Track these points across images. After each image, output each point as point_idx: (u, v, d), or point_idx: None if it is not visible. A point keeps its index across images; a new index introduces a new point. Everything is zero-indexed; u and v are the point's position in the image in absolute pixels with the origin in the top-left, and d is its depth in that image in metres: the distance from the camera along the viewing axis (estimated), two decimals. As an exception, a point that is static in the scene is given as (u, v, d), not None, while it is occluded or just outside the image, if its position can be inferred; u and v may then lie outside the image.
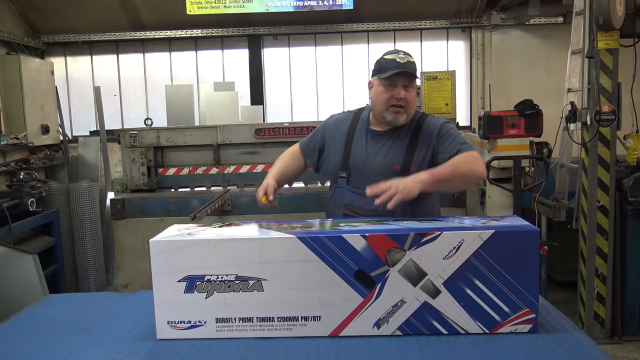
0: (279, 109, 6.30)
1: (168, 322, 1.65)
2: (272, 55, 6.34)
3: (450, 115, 4.12)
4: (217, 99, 4.88)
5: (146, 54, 6.31)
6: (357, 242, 1.60)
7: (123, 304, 2.01)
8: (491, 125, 4.01)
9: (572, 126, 3.87)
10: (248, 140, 4.10)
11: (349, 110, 2.45)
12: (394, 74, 2.12)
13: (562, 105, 4.01)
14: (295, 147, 2.50)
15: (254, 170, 4.14)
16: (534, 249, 1.63)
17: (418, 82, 4.32)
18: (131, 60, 6.32)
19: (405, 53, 2.20)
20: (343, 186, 2.26)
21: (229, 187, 4.11)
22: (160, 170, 4.15)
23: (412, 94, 2.19)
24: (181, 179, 4.16)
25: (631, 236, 3.83)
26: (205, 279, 1.62)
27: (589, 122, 3.70)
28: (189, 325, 1.65)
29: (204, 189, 4.14)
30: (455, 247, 1.59)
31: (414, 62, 2.19)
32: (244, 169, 4.15)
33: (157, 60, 6.32)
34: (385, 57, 2.21)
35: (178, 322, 1.65)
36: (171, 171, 4.16)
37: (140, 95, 6.34)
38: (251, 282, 1.62)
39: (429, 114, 2.38)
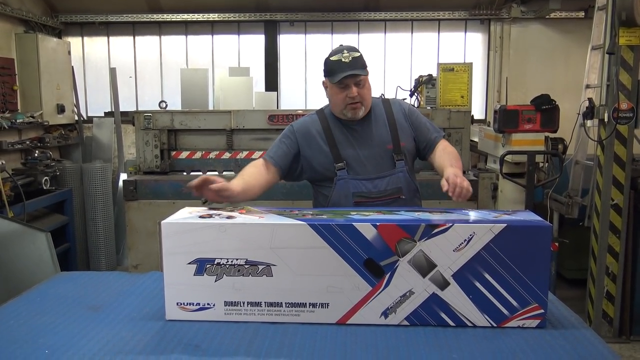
0: (294, 96, 6.29)
1: (177, 304, 1.66)
2: (288, 42, 6.32)
3: (465, 108, 4.08)
4: (231, 84, 4.86)
5: (162, 37, 6.31)
6: (368, 231, 1.60)
7: (133, 283, 2.03)
8: (506, 119, 3.97)
9: (589, 123, 3.82)
10: (261, 126, 4.10)
11: (309, 114, 2.44)
12: (343, 77, 2.17)
13: (579, 101, 3.97)
14: (259, 161, 2.33)
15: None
16: (545, 245, 1.62)
17: (433, 73, 4.33)
18: (147, 43, 6.33)
19: (349, 49, 2.22)
20: (344, 177, 2.27)
21: (240, 173, 4.12)
22: (173, 153, 4.17)
23: (365, 88, 2.25)
24: (194, 162, 4.18)
25: (644, 236, 3.80)
26: (215, 262, 1.63)
27: (606, 119, 3.65)
28: (197, 307, 1.66)
29: (216, 173, 4.15)
30: (466, 240, 1.58)
31: (359, 56, 2.22)
32: (257, 154, 4.15)
33: (173, 43, 6.32)
34: (331, 58, 2.23)
35: (187, 303, 1.66)
36: (184, 154, 4.18)
37: (155, 77, 6.35)
38: (260, 267, 1.63)
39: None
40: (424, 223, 1.60)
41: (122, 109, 5.78)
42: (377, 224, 1.61)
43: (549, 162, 4.15)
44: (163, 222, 1.66)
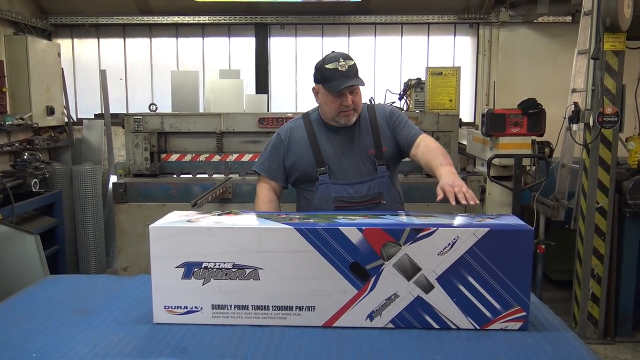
0: (284, 99, 6.31)
1: (165, 307, 1.68)
2: (278, 45, 6.34)
3: (453, 111, 4.12)
4: (222, 86, 4.87)
5: (153, 39, 6.31)
6: (354, 235, 1.63)
7: (122, 287, 2.04)
8: (494, 123, 4.01)
9: (574, 127, 3.87)
10: (251, 129, 4.12)
11: (294, 119, 2.46)
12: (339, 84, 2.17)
13: (566, 105, 4.02)
14: (262, 182, 2.41)
15: (256, 159, 4.15)
16: (527, 248, 1.65)
17: (422, 77, 4.37)
18: (138, 45, 6.33)
19: (344, 58, 2.23)
20: (326, 182, 2.30)
21: (230, 175, 4.14)
22: (163, 155, 4.18)
23: (358, 95, 2.27)
24: (183, 165, 4.19)
25: (628, 238, 3.85)
26: (203, 266, 1.65)
27: (591, 124, 3.70)
28: (185, 310, 1.68)
29: (206, 176, 4.16)
30: (450, 244, 1.61)
31: (354, 65, 2.23)
32: (247, 157, 4.17)
33: (164, 45, 6.32)
34: (327, 66, 2.22)
35: (175, 307, 1.68)
36: (174, 157, 4.19)
37: (145, 80, 6.35)
38: (248, 271, 1.65)
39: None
40: (409, 227, 1.63)
41: (112, 111, 5.77)
42: (363, 228, 1.63)
43: (535, 165, 4.19)
44: (151, 226, 1.68)
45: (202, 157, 4.17)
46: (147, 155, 4.06)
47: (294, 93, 6.34)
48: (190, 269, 1.65)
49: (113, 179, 5.21)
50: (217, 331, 1.64)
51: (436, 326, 1.65)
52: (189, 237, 1.65)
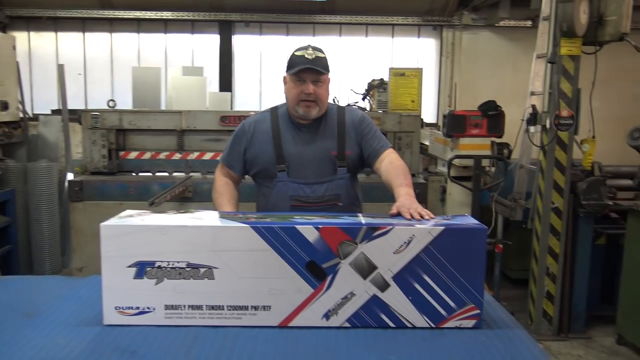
0: (248, 97, 6.26)
1: (116, 308, 1.63)
2: (243, 43, 6.28)
3: (416, 112, 4.16)
4: (185, 83, 4.79)
5: (113, 34, 6.17)
6: (310, 234, 1.62)
7: (72, 288, 1.98)
8: (454, 124, 4.08)
9: (532, 129, 3.96)
10: (213, 127, 4.06)
11: (262, 111, 2.46)
12: (301, 70, 2.19)
13: (525, 107, 4.10)
14: (221, 168, 2.44)
15: (218, 158, 4.07)
16: (481, 246, 1.67)
17: (385, 77, 4.39)
18: (98, 39, 6.17)
19: (314, 49, 2.26)
20: (284, 179, 2.28)
21: (191, 174, 4.07)
22: (122, 153, 4.08)
23: (323, 89, 2.26)
24: (143, 163, 4.09)
25: (581, 238, 3.97)
26: (156, 265, 1.61)
27: (548, 126, 3.79)
28: (137, 311, 1.64)
29: (166, 174, 4.08)
30: (405, 242, 1.62)
31: (323, 58, 2.25)
32: (208, 155, 4.11)
33: (125, 40, 6.19)
34: (296, 53, 2.25)
35: (126, 307, 1.64)
36: (133, 155, 4.09)
37: (105, 75, 6.20)
38: (202, 270, 1.62)
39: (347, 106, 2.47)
40: (365, 226, 1.63)
41: (70, 106, 5.59)
42: (320, 226, 1.63)
43: (494, 166, 4.27)
44: (102, 224, 1.64)
45: (162, 155, 4.08)
46: (105, 153, 3.96)
47: (258, 92, 6.29)
48: (142, 269, 1.61)
49: (70, 176, 5.06)
50: (169, 333, 1.61)
51: (392, 325, 1.66)
52: (141, 236, 1.62)
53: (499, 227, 4.19)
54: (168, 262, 1.61)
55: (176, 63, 5.98)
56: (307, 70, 2.20)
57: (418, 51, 6.38)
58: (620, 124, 5.12)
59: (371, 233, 1.62)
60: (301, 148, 2.29)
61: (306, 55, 2.21)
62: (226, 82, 6.17)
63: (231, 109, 5.45)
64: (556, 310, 3.92)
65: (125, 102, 5.10)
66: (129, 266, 1.61)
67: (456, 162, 4.08)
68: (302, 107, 2.24)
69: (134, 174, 4.09)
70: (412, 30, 6.34)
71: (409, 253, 1.63)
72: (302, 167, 2.28)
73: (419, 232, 1.63)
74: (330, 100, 2.41)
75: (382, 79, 4.37)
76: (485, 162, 4.10)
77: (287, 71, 2.29)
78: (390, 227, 1.63)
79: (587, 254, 3.98)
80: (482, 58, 6.27)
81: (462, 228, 1.68)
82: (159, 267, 1.61)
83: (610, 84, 5.54)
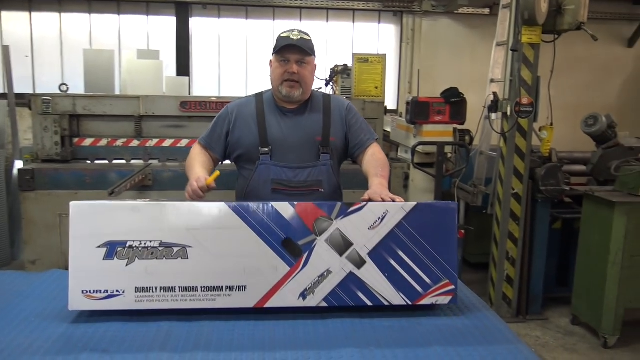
0: (207, 82, 6.10)
1: (83, 292, 1.55)
2: (200, 25, 6.10)
3: (379, 99, 4.15)
4: (140, 67, 4.61)
5: (63, 14, 5.86)
6: (286, 211, 1.62)
7: (32, 284, 1.87)
8: (418, 111, 4.09)
9: (493, 116, 4.02)
10: (173, 113, 3.93)
11: (247, 96, 2.45)
12: (286, 50, 2.20)
13: (484, 94, 4.16)
14: (198, 147, 2.38)
15: (178, 145, 3.98)
16: (452, 224, 1.70)
17: (349, 63, 4.35)
18: (46, 19, 5.85)
19: (300, 31, 2.29)
20: (267, 162, 2.26)
21: (150, 161, 3.93)
22: (76, 140, 3.89)
23: (307, 70, 2.27)
24: (98, 150, 3.92)
25: (539, 222, 4.08)
26: (127, 245, 1.55)
27: (509, 113, 3.86)
28: (105, 295, 1.56)
29: (124, 162, 3.93)
30: (380, 218, 1.64)
31: (308, 40, 2.28)
32: (168, 142, 3.98)
33: (75, 21, 5.89)
34: (281, 35, 2.28)
35: (94, 291, 1.55)
36: (88, 142, 3.91)
37: (55, 58, 5.90)
38: (176, 249, 1.57)
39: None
40: (340, 203, 1.66)
41: (16, 90, 5.30)
42: (295, 203, 1.63)
43: (456, 152, 4.33)
44: (73, 203, 1.57)
45: (119, 142, 3.92)
46: (58, 140, 3.76)
47: (217, 76, 6.13)
48: (113, 249, 1.55)
49: (19, 164, 4.80)
50: (139, 329, 1.54)
51: (369, 303, 1.65)
52: (113, 215, 1.56)
53: (461, 212, 4.26)
54: (140, 241, 1.56)
55: (131, 46, 5.74)
56: (291, 50, 2.21)
57: (379, 37, 6.37)
58: (571, 112, 5.30)
59: (346, 209, 1.64)
60: (286, 132, 2.28)
61: (291, 36, 2.22)
62: (183, 67, 5.99)
63: (189, 94, 5.29)
64: (515, 293, 4.03)
65: (76, 87, 4.87)
66: (99, 246, 1.54)
67: (419, 149, 4.10)
68: (286, 87, 2.24)
69: (89, 161, 3.92)
70: (373, 16, 6.32)
71: (383, 228, 1.65)
72: (285, 151, 2.26)
73: (392, 207, 1.67)
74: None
75: (345, 65, 4.33)
76: (447, 149, 4.14)
77: (273, 53, 2.29)
78: (365, 203, 1.67)
79: (544, 238, 4.10)
80: (442, 45, 6.33)
81: (434, 204, 1.72)
82: (131, 247, 1.55)
83: (564, 72, 5.70)
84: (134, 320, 1.58)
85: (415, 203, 1.67)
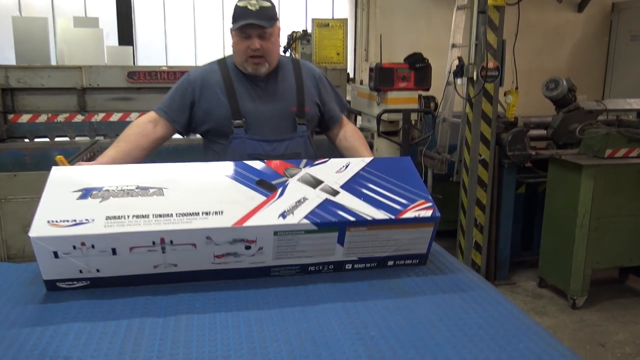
0: (152, 51, 5.74)
1: (48, 222, 1.41)
2: (143, -10, 5.69)
3: (341, 66, 3.98)
4: (77, 36, 4.26)
5: (-14, -23, 5.31)
6: (257, 165, 1.71)
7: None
8: (382, 78, 3.95)
9: (459, 81, 3.93)
10: (119, 85, 3.64)
11: (208, 63, 2.22)
12: (244, 26, 2.00)
13: (443, 60, 4.07)
14: (151, 116, 2.12)
15: (127, 119, 3.70)
16: (411, 167, 1.80)
17: (309, 28, 4.14)
18: (-35, -16, 5.29)
19: None
20: (241, 136, 2.09)
21: (97, 138, 3.63)
22: (11, 116, 3.54)
23: (271, 42, 2.08)
24: (38, 127, 3.59)
25: (506, 188, 4.07)
26: (104, 189, 1.52)
27: (475, 78, 3.77)
28: (72, 222, 1.42)
29: (67, 139, 3.61)
30: (344, 166, 1.74)
31: (269, 7, 2.04)
32: (115, 117, 3.69)
33: (1, -15, 5.36)
34: (238, 4, 2.05)
35: (61, 220, 1.42)
36: (25, 118, 3.58)
37: (-22, 26, 5.36)
38: (152, 190, 1.55)
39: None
40: (306, 159, 1.77)
41: (-63, 63, 4.79)
42: (265, 160, 1.73)
43: (422, 120, 4.23)
44: (53, 167, 1.59)
45: (60, 118, 3.60)
46: (-10, 116, 3.41)
47: (163, 45, 5.77)
48: (88, 192, 1.50)
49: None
50: (107, 328, 1.33)
51: (352, 219, 1.61)
52: (93, 171, 1.59)
53: (429, 181, 4.18)
54: (117, 186, 1.54)
55: (66, 13, 5.29)
56: (250, 25, 1.99)
57: (333, 3, 6.15)
58: (524, 77, 5.28)
59: (312, 162, 1.74)
60: (259, 104, 2.10)
61: (249, 7, 1.98)
62: (126, 35, 5.59)
63: (134, 64, 4.95)
64: (483, 259, 4.02)
65: (6, 58, 4.47)
66: (75, 191, 1.50)
67: (384, 117, 3.97)
68: (251, 65, 2.06)
69: (27, 140, 3.58)
70: (327, -19, 6.08)
71: (349, 172, 1.73)
72: (260, 124, 2.10)
73: (353, 160, 1.78)
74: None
75: (305, 31, 4.12)
76: (413, 116, 4.03)
77: (231, 25, 2.07)
78: (328, 158, 1.76)
79: (510, 204, 4.10)
80: (397, 11, 6.19)
81: (391, 158, 1.96)
82: (107, 190, 1.52)
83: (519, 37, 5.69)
84: (107, 295, 1.48)
85: (372, 157, 1.84)
